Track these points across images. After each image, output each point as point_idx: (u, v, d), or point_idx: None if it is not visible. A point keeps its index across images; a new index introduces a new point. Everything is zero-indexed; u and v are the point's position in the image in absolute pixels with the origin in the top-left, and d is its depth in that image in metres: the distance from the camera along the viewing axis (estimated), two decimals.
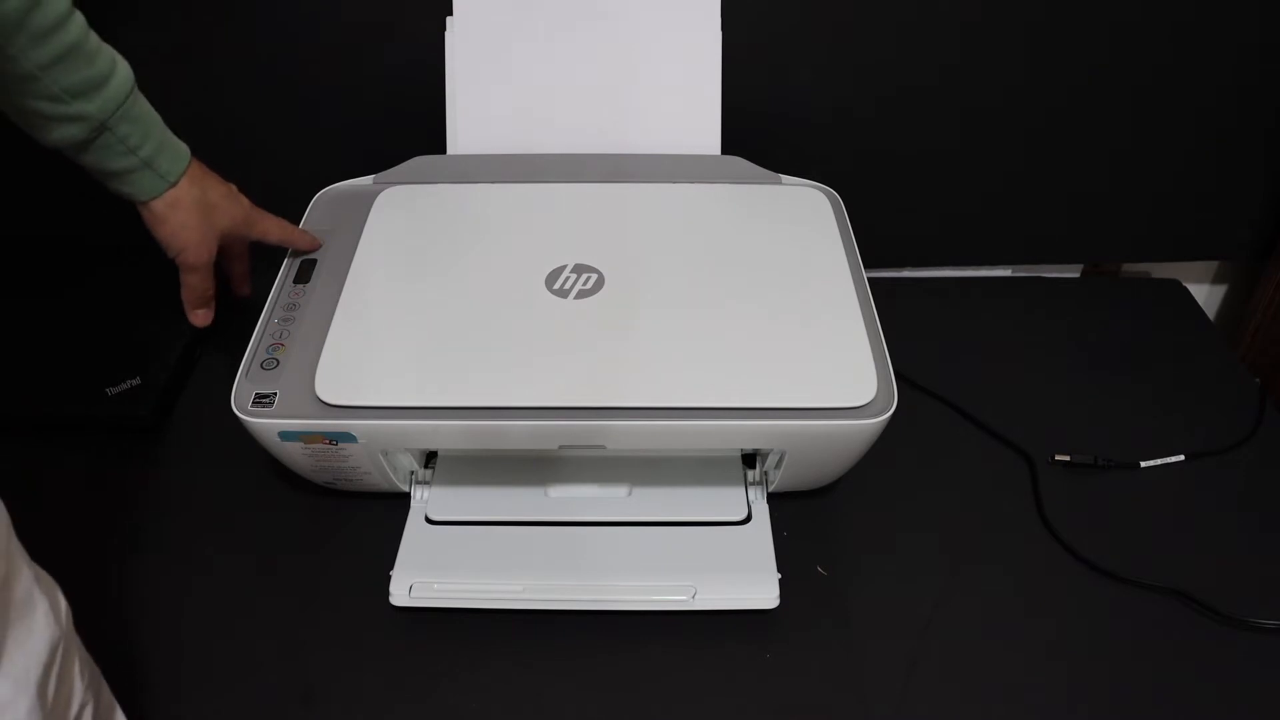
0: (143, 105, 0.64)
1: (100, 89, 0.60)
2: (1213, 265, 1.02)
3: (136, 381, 0.77)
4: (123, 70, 0.62)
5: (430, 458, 0.71)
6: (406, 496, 0.70)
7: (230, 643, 0.64)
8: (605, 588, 0.64)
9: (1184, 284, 0.96)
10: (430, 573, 0.65)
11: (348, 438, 0.62)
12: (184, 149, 0.67)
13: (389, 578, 0.64)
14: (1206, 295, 1.04)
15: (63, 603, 0.48)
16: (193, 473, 0.75)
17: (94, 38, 0.60)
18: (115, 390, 0.77)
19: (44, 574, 0.48)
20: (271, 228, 0.73)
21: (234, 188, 0.72)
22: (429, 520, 0.68)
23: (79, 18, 0.59)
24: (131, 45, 0.84)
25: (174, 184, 0.66)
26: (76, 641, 0.50)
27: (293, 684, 0.62)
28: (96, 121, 0.60)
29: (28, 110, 0.59)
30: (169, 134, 0.66)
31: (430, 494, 0.70)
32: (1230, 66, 0.83)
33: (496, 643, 0.64)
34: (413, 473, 0.70)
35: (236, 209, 0.71)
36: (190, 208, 0.67)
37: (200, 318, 0.75)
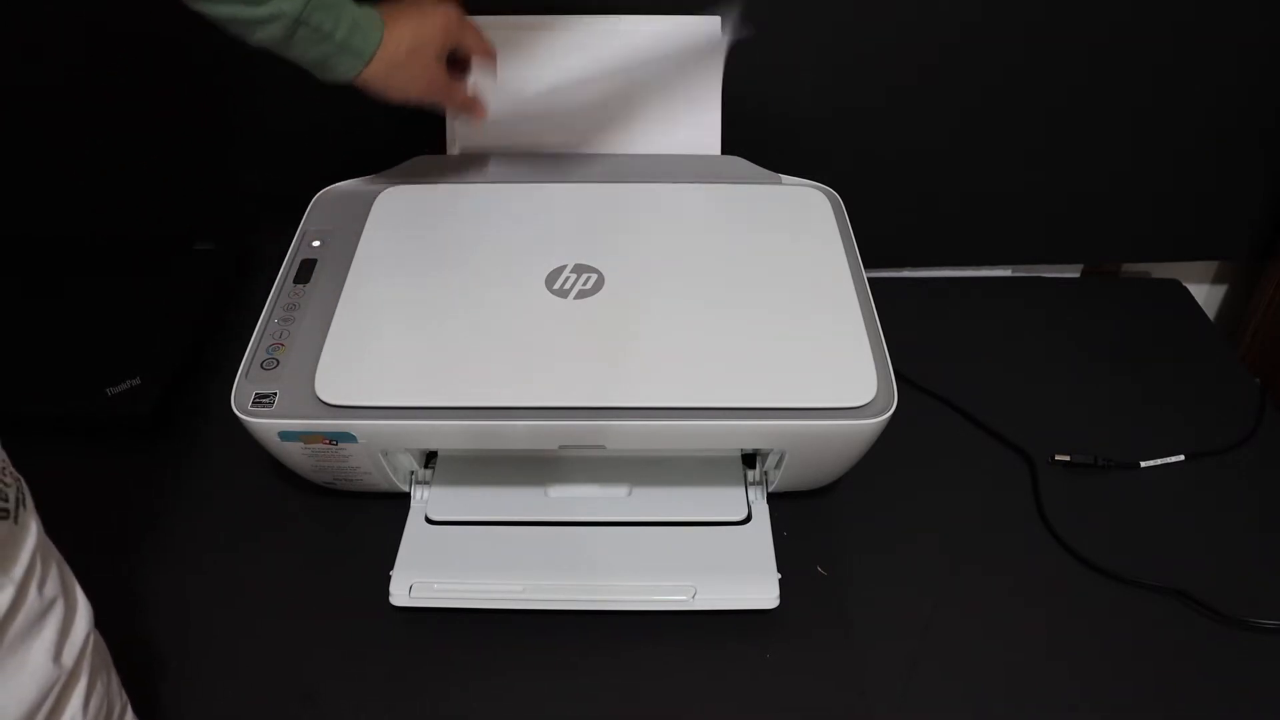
0: None
1: None
2: (1213, 265, 1.02)
3: (136, 381, 0.77)
4: None
5: (430, 458, 0.71)
6: (406, 496, 0.70)
7: (230, 642, 0.64)
8: (605, 588, 0.64)
9: (1184, 284, 0.96)
10: (430, 573, 0.65)
11: (348, 438, 0.62)
12: (374, 18, 0.65)
13: (389, 578, 0.64)
14: (1206, 295, 1.04)
15: (78, 632, 0.46)
16: (193, 472, 0.75)
17: None
18: (115, 390, 0.77)
19: (77, 599, 0.46)
20: (472, 42, 0.72)
21: (426, 8, 0.68)
22: (429, 520, 0.68)
23: None
24: (130, 44, 0.85)
25: (371, 58, 0.65)
26: (105, 667, 0.48)
27: (293, 684, 0.62)
28: (292, 18, 0.60)
29: (229, 19, 0.59)
30: (358, 10, 0.64)
31: (430, 494, 0.70)
32: (1230, 66, 0.83)
33: (496, 643, 0.64)
34: (413, 473, 0.70)
35: (441, 32, 0.68)
36: (401, 65, 0.66)
37: (479, 109, 0.74)
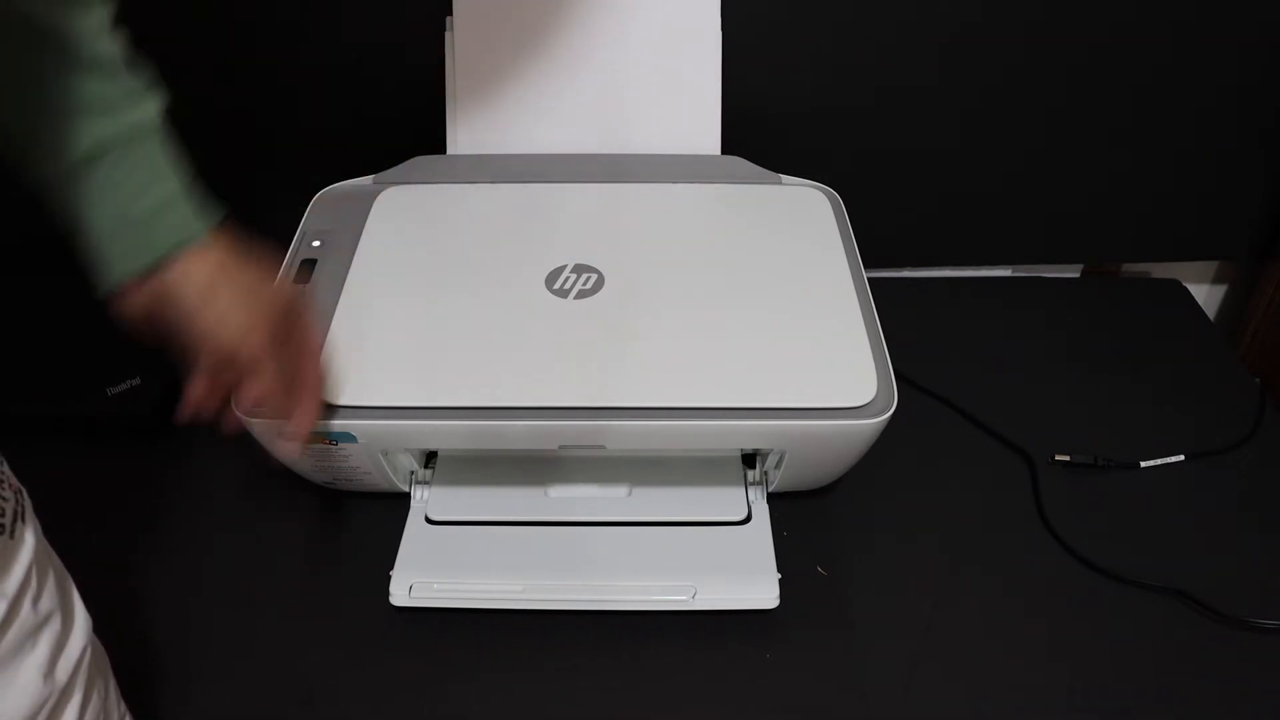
0: None
1: None
2: (1213, 265, 1.02)
3: (136, 381, 0.77)
4: None
5: (430, 458, 0.71)
6: (406, 496, 0.70)
7: (230, 643, 0.64)
8: (605, 588, 0.64)
9: (1184, 284, 0.96)
10: (430, 573, 0.65)
11: (348, 438, 0.62)
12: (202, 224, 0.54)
13: (389, 578, 0.64)
14: (1206, 295, 1.04)
15: (74, 647, 0.45)
16: (193, 473, 0.75)
17: None
18: (115, 390, 0.77)
19: (75, 612, 0.45)
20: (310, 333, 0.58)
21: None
22: (429, 520, 0.68)
23: None
24: (129, 43, 0.84)
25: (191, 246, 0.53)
26: (103, 677, 0.47)
27: (293, 684, 0.62)
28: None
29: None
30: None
31: (430, 494, 0.70)
32: (1230, 66, 0.83)
33: (496, 643, 0.64)
34: (413, 473, 0.70)
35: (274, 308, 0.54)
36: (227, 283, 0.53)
37: (293, 446, 0.57)
